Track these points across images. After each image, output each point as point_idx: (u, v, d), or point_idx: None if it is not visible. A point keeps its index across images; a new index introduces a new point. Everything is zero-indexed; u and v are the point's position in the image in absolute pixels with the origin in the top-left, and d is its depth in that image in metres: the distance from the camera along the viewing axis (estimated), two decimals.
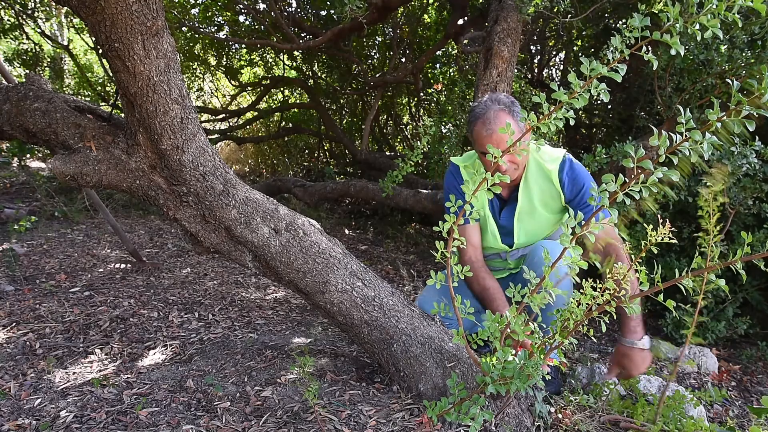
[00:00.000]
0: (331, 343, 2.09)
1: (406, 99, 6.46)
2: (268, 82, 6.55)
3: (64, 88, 7.01)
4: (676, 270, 0.96)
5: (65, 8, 2.95)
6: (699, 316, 2.59)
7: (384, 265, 3.69)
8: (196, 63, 6.46)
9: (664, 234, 0.94)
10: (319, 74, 6.45)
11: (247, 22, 5.75)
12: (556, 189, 1.62)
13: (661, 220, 0.99)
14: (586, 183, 1.60)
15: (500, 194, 1.70)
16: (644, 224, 2.70)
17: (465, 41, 4.19)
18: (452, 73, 5.26)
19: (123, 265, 2.96)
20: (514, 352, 1.15)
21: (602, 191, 0.96)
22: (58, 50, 6.77)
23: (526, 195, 1.67)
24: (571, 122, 0.93)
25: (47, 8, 5.93)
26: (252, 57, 6.49)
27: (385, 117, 6.82)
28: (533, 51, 4.77)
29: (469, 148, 3.09)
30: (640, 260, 0.99)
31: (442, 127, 3.93)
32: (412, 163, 3.15)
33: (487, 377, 1.17)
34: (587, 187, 1.59)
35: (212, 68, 6.75)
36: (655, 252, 0.98)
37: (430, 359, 1.48)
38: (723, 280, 0.94)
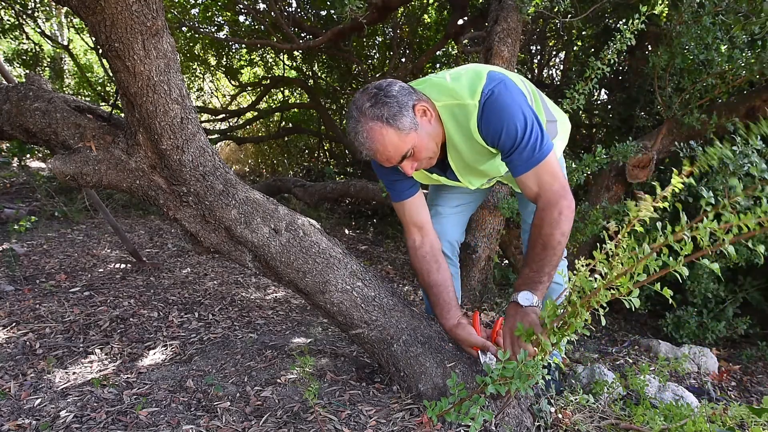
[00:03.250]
0: (331, 343, 2.09)
1: None
2: (268, 82, 6.55)
3: (64, 88, 7.02)
4: (669, 258, 0.94)
5: (65, 8, 2.95)
6: (698, 316, 2.58)
7: (384, 265, 3.69)
8: (196, 63, 6.46)
9: (647, 208, 0.92)
10: (319, 74, 6.45)
11: (247, 22, 5.75)
12: (481, 144, 1.35)
13: (642, 195, 0.96)
14: (504, 127, 1.26)
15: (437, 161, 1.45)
16: (644, 225, 2.69)
17: (465, 41, 4.19)
18: None
19: (123, 265, 2.96)
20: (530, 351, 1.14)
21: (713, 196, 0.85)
22: (58, 50, 6.77)
23: (455, 158, 1.44)
24: None
25: (47, 8, 5.93)
26: (252, 57, 6.50)
27: None
28: (533, 51, 4.78)
29: None
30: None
31: None
32: None
33: (487, 377, 1.17)
34: (506, 130, 1.26)
35: (212, 68, 6.76)
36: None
37: (430, 359, 1.48)
38: (716, 264, 0.93)
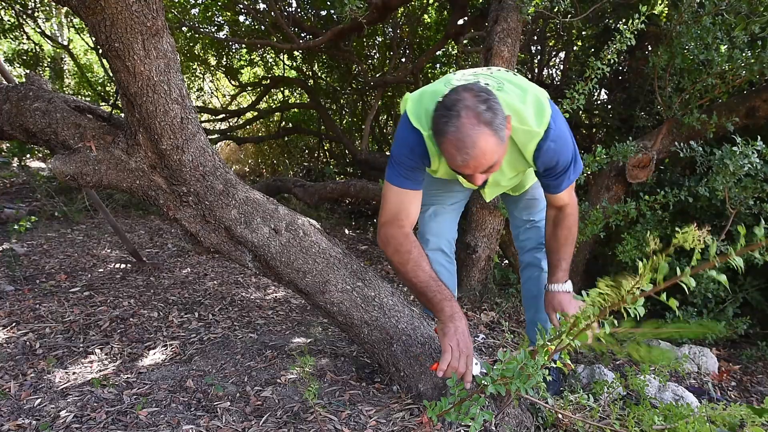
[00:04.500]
0: (331, 343, 2.09)
1: None
2: (268, 82, 6.54)
3: (64, 88, 7.02)
4: (677, 268, 0.95)
5: (65, 8, 2.95)
6: (698, 316, 2.58)
7: (384, 265, 3.69)
8: (196, 63, 6.45)
9: (700, 236, 0.90)
10: (319, 74, 6.44)
11: (247, 22, 5.75)
12: (529, 163, 1.41)
13: (696, 226, 0.93)
14: (560, 159, 1.36)
15: None
16: (644, 224, 2.67)
17: (465, 41, 4.19)
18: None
19: (123, 265, 2.96)
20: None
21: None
22: (58, 50, 6.77)
23: (495, 172, 1.40)
24: None
25: (47, 8, 5.93)
26: (252, 57, 6.49)
27: (385, 117, 6.82)
28: (533, 51, 4.77)
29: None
30: (641, 258, 0.98)
31: None
32: None
33: (487, 377, 1.17)
34: (562, 162, 1.37)
35: (212, 68, 6.75)
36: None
37: (431, 359, 1.48)
38: (723, 276, 0.93)
